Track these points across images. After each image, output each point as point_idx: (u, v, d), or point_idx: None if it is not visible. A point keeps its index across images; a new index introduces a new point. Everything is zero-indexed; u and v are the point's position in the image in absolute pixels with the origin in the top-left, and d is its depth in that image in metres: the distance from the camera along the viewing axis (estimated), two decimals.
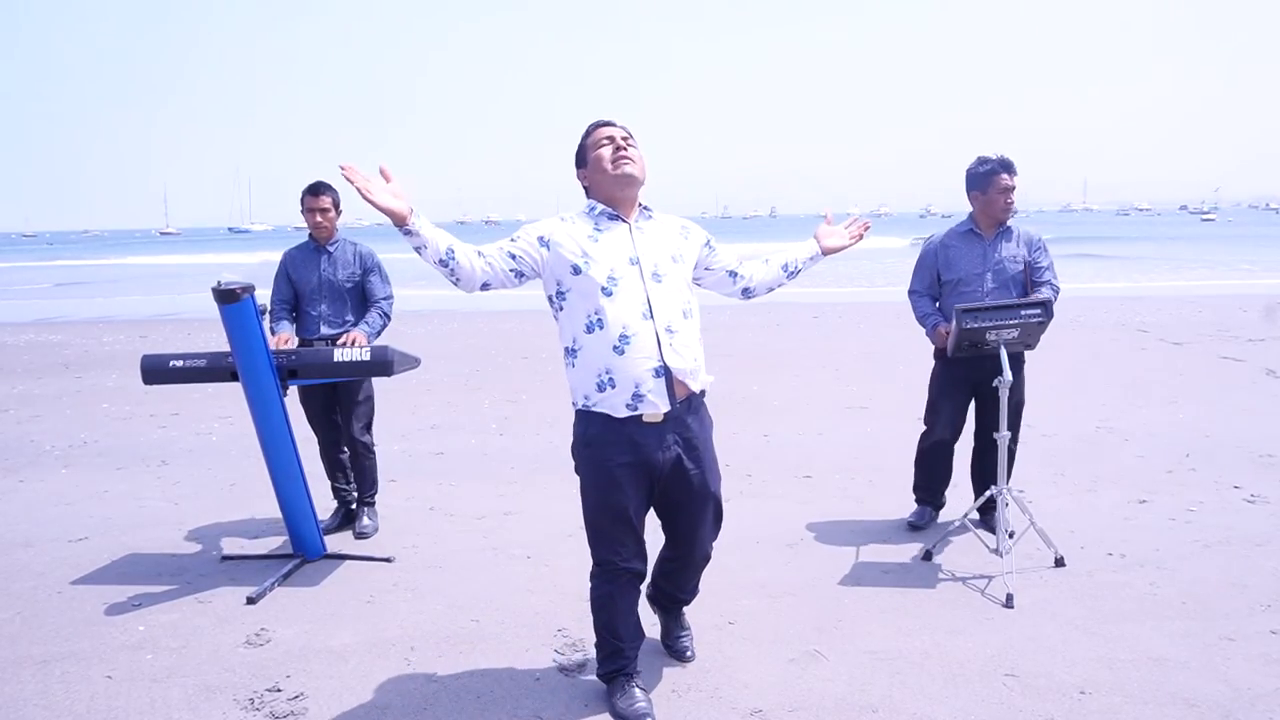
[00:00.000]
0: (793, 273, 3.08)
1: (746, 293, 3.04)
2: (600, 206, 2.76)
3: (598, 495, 2.73)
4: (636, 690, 2.81)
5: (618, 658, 2.84)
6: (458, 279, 2.61)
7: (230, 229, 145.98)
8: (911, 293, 4.40)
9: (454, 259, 2.57)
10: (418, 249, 2.55)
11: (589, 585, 2.86)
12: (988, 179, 4.16)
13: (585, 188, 2.83)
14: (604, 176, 2.73)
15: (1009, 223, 4.23)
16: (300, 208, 4.54)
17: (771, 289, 3.08)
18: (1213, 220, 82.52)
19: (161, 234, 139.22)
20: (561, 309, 2.72)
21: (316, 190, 4.48)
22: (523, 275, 2.70)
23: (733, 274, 3.00)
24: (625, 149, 2.72)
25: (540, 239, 2.70)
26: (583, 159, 2.81)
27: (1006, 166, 4.16)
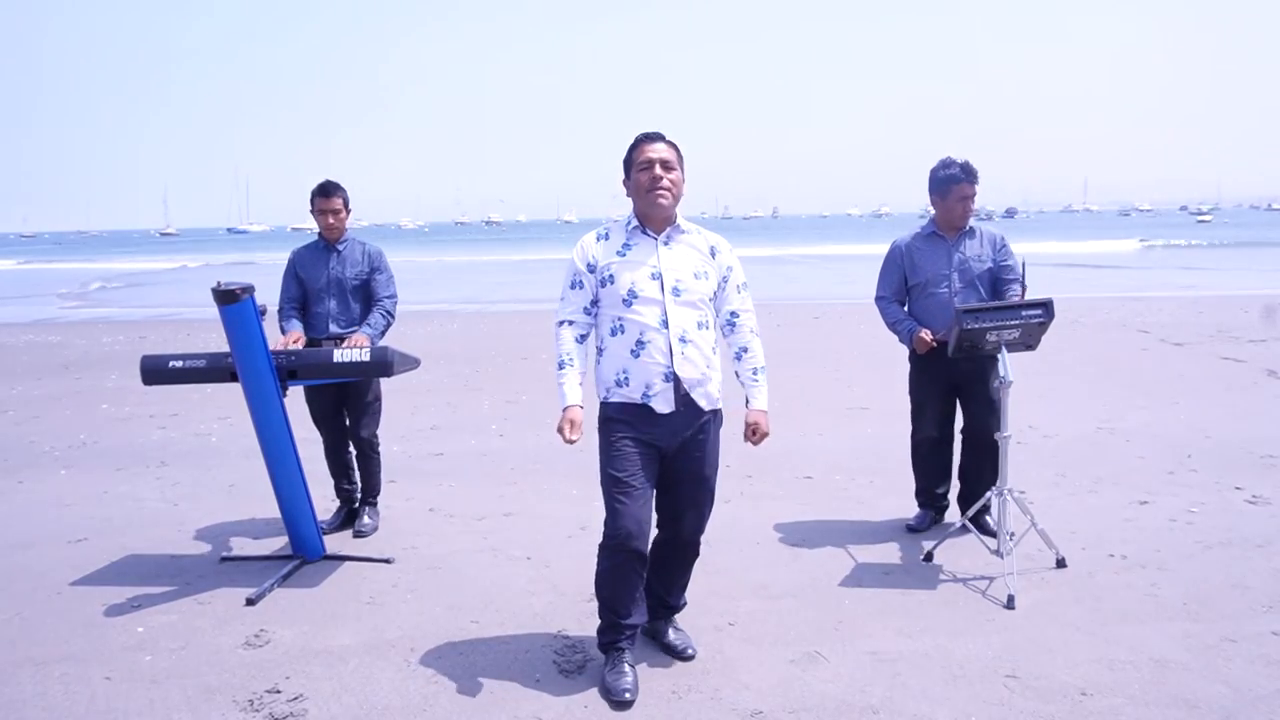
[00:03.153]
0: (738, 380, 3.17)
1: (725, 336, 3.16)
2: (635, 221, 3.03)
3: (605, 465, 2.97)
4: (626, 667, 2.95)
5: (614, 632, 3.01)
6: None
7: (229, 229, 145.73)
8: (879, 299, 4.41)
9: (585, 367, 3.02)
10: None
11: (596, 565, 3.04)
12: (947, 186, 4.18)
13: (627, 194, 3.04)
14: (640, 200, 2.99)
15: (972, 224, 4.28)
16: (310, 208, 4.54)
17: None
18: (1209, 221, 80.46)
19: (161, 234, 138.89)
20: (596, 315, 3.04)
21: (327, 192, 4.48)
22: (601, 305, 3.02)
23: (729, 321, 3.12)
24: (662, 179, 2.93)
25: (589, 266, 3.01)
26: (627, 171, 3.02)
27: (969, 174, 4.15)
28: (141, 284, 28.55)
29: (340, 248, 4.54)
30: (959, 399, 4.31)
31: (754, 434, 3.12)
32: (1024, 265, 4.24)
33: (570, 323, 3.02)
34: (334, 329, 4.45)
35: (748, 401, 3.15)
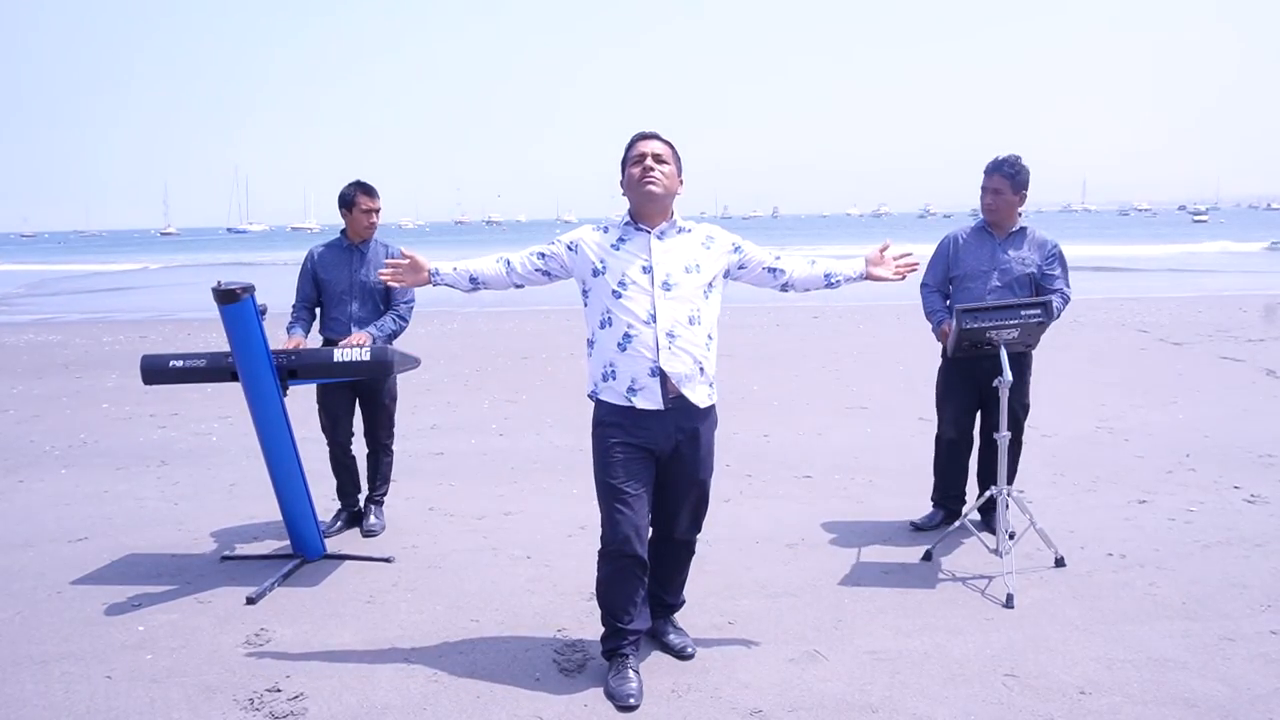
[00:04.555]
0: (834, 283, 3.19)
1: (785, 287, 3.19)
2: (629, 218, 3.03)
3: (599, 472, 2.97)
4: (630, 672, 2.94)
5: (617, 638, 3.01)
6: (489, 288, 3.11)
7: (229, 229, 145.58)
8: (923, 286, 4.39)
9: (480, 279, 3.08)
10: (450, 286, 3.09)
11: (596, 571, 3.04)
12: (984, 178, 4.17)
13: (623, 193, 3.05)
14: (632, 193, 3.00)
15: (1025, 225, 4.22)
16: (343, 207, 4.46)
17: (809, 290, 3.21)
18: (1205, 221, 79.02)
19: (162, 234, 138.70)
20: (586, 304, 3.03)
21: (372, 191, 4.44)
22: (550, 275, 3.09)
23: (771, 270, 3.15)
24: (652, 169, 2.94)
25: (570, 245, 3.05)
26: (622, 168, 3.04)
27: (994, 168, 4.15)
28: (64, 291, 25.82)
29: (364, 249, 4.48)
30: (982, 400, 4.29)
31: (891, 260, 3.15)
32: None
33: (513, 253, 3.09)
34: (355, 332, 4.38)
35: (859, 269, 3.16)
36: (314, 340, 4.39)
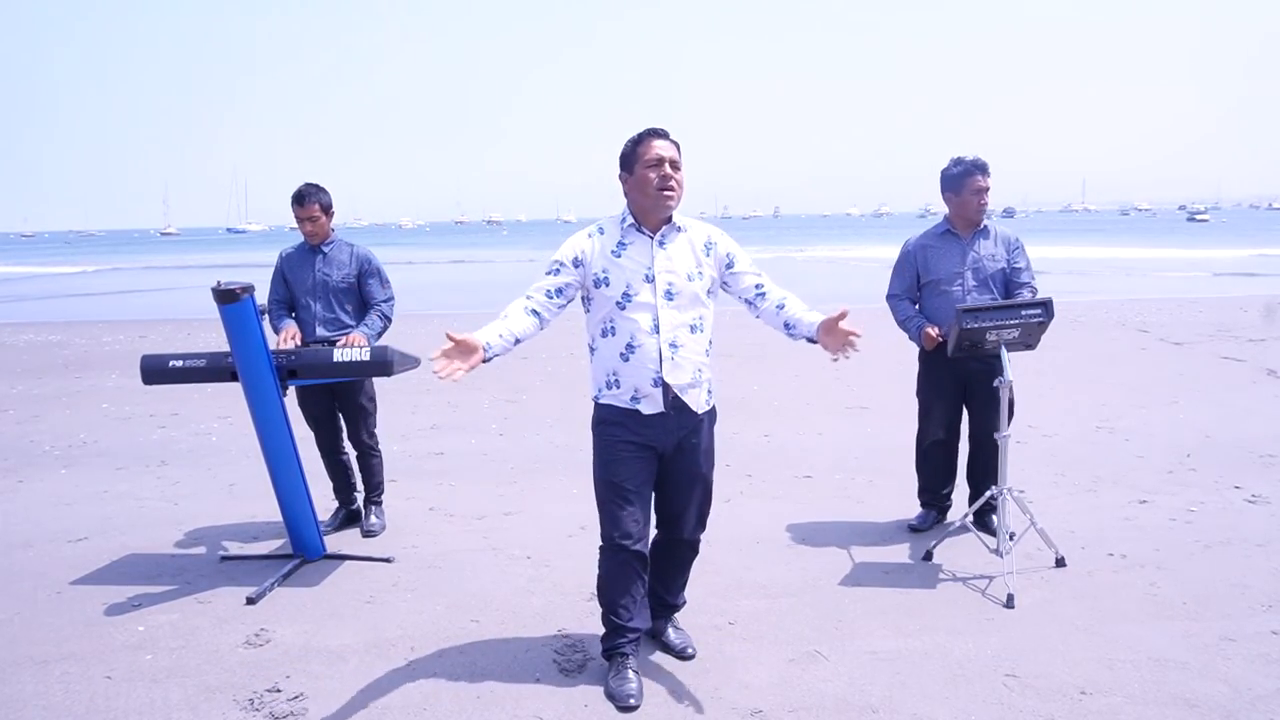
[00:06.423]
0: (792, 334, 2.97)
1: (756, 317, 3.07)
2: (631, 219, 2.93)
3: (601, 469, 2.94)
4: (630, 673, 2.94)
5: (616, 636, 3.01)
6: (525, 340, 2.85)
7: (228, 229, 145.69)
8: (890, 297, 4.42)
9: (524, 337, 2.82)
10: (499, 355, 2.75)
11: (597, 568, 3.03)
12: (961, 180, 4.20)
13: (624, 190, 2.94)
14: (644, 199, 2.88)
15: (985, 223, 4.29)
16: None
17: (770, 326, 3.05)
18: (1205, 221, 77.68)
19: (162, 234, 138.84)
20: (588, 311, 2.96)
21: (300, 200, 4.40)
22: (571, 300, 2.94)
23: (749, 302, 3.03)
24: (671, 179, 2.84)
25: (574, 260, 2.90)
26: (629, 165, 2.91)
27: (980, 168, 4.19)
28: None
29: (326, 249, 4.48)
30: (965, 399, 4.31)
31: (843, 333, 2.81)
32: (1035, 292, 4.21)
33: (529, 297, 2.87)
34: (320, 332, 4.38)
35: (814, 328, 2.88)
36: None
